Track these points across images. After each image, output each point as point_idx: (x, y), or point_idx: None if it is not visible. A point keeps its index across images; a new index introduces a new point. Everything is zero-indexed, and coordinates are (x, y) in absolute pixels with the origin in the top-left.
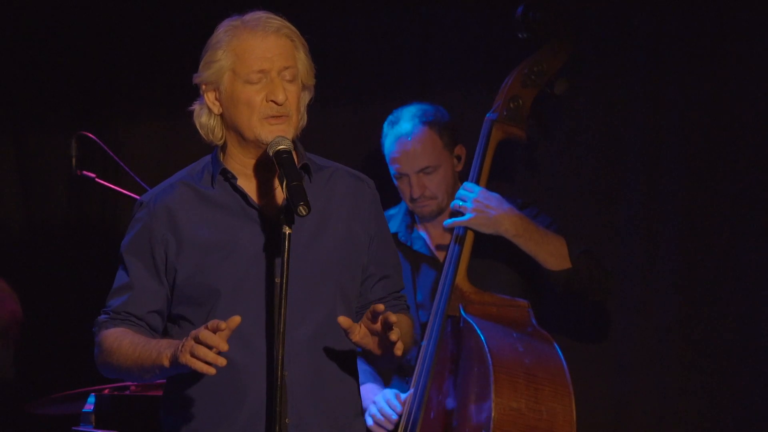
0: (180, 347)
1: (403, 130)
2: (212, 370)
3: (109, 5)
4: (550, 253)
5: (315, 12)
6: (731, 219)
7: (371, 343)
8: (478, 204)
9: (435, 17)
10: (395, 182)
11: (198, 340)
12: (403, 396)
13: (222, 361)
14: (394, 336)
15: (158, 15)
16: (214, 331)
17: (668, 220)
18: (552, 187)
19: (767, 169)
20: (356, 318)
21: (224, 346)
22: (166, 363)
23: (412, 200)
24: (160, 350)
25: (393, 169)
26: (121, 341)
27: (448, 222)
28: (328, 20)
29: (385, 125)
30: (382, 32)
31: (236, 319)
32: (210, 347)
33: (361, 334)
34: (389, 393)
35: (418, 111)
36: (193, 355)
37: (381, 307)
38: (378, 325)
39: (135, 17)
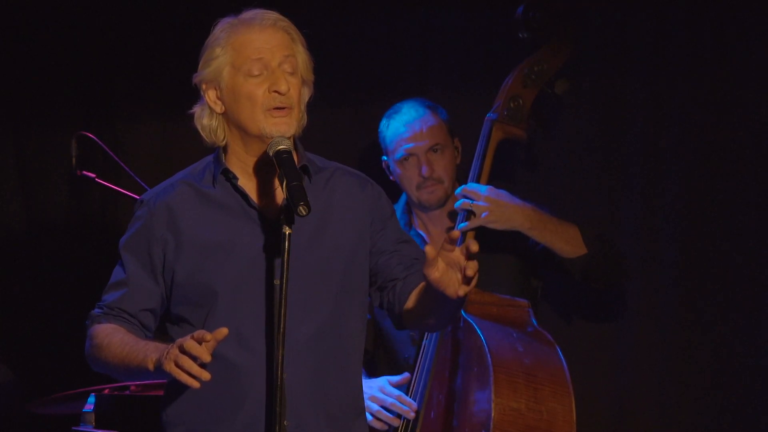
0: (165, 354)
1: (410, 114)
2: (195, 384)
3: (109, 5)
4: (566, 241)
5: (315, 12)
6: (731, 218)
7: (446, 281)
8: (489, 202)
9: (435, 17)
10: (398, 172)
11: (182, 350)
12: (393, 379)
13: (206, 376)
14: (470, 271)
15: (158, 15)
16: (200, 341)
17: (668, 220)
18: (552, 187)
19: (767, 168)
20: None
21: (207, 357)
22: (151, 367)
23: (420, 185)
24: (147, 353)
25: (401, 150)
26: (112, 338)
27: (462, 226)
28: (328, 20)
29: (384, 120)
30: (382, 32)
31: (223, 331)
32: (195, 358)
33: (440, 270)
34: (390, 388)
35: (418, 100)
36: (177, 365)
37: (456, 234)
38: (456, 254)
39: (135, 17)
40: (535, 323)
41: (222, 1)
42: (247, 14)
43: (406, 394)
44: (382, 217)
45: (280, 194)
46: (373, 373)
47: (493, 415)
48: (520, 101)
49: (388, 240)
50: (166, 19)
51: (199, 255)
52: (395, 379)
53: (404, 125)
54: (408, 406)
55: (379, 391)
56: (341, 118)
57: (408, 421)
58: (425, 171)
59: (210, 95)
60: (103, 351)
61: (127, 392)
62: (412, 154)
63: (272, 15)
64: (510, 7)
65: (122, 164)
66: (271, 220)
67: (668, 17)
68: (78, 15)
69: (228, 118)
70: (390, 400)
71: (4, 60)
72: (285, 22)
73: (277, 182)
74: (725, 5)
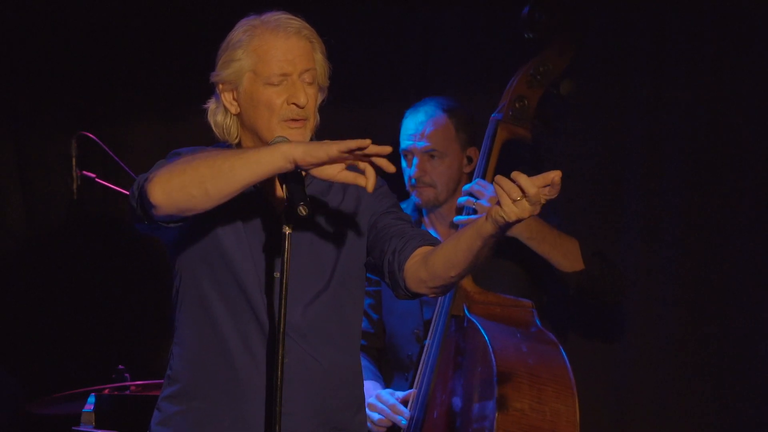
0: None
1: (423, 111)
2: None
3: (109, 5)
4: (564, 255)
5: (316, 12)
6: (732, 218)
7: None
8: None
9: (438, 16)
10: (403, 163)
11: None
12: (399, 394)
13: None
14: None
15: (158, 15)
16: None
17: (670, 220)
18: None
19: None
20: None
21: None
22: (286, 149)
23: (411, 182)
24: (280, 143)
25: (403, 144)
26: (203, 151)
27: (460, 218)
28: (329, 20)
29: (407, 111)
30: (384, 32)
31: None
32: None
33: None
34: (388, 396)
35: (443, 100)
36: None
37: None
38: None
39: (135, 17)
40: (539, 323)
41: (224, 1)
42: (271, 18)
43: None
44: (381, 203)
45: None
46: (388, 378)
47: (496, 415)
48: (525, 102)
49: (387, 217)
50: (167, 19)
51: (212, 239)
52: (401, 394)
53: (413, 122)
54: (401, 416)
55: (375, 399)
56: (342, 117)
57: (411, 421)
58: (413, 172)
59: (226, 96)
60: (198, 158)
61: (127, 392)
62: (409, 152)
63: (296, 23)
64: (511, 7)
65: (122, 164)
66: (274, 217)
67: (669, 19)
68: (78, 15)
69: (242, 119)
70: (386, 410)
71: (4, 60)
72: (308, 30)
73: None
74: (725, 6)
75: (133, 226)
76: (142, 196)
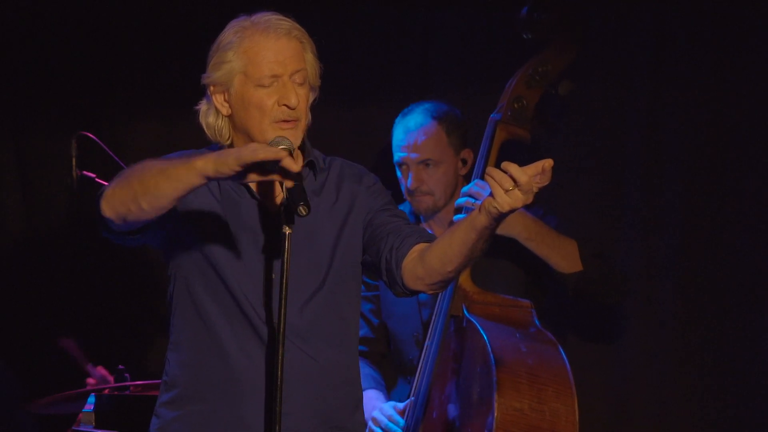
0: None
1: (412, 120)
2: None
3: (109, 5)
4: (562, 256)
5: (316, 12)
6: (732, 218)
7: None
8: None
9: (438, 16)
10: (398, 173)
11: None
12: (400, 406)
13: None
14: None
15: (158, 15)
16: None
17: (669, 220)
18: (554, 187)
19: None
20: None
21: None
22: (200, 165)
23: (409, 192)
24: (197, 156)
25: (396, 156)
26: (149, 160)
27: (458, 218)
28: (329, 20)
29: (396, 119)
30: (384, 32)
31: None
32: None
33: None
34: (388, 408)
35: (430, 106)
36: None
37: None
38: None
39: (135, 17)
40: (538, 324)
41: (222, 2)
42: (261, 18)
43: (410, 394)
44: (376, 200)
45: (281, 194)
46: (384, 373)
47: (496, 415)
48: (524, 102)
49: (382, 214)
50: (166, 19)
51: (199, 243)
52: (400, 405)
53: (404, 132)
54: (395, 425)
55: (378, 412)
56: (342, 118)
57: (410, 421)
58: (410, 183)
59: (217, 98)
60: (136, 171)
61: (127, 392)
62: (403, 164)
63: (286, 24)
64: (511, 7)
65: (122, 164)
66: (272, 216)
67: (669, 19)
68: (78, 15)
69: (234, 121)
70: (384, 422)
71: (4, 60)
72: (298, 31)
73: (278, 183)
74: (725, 6)
75: (101, 235)
76: (96, 209)
